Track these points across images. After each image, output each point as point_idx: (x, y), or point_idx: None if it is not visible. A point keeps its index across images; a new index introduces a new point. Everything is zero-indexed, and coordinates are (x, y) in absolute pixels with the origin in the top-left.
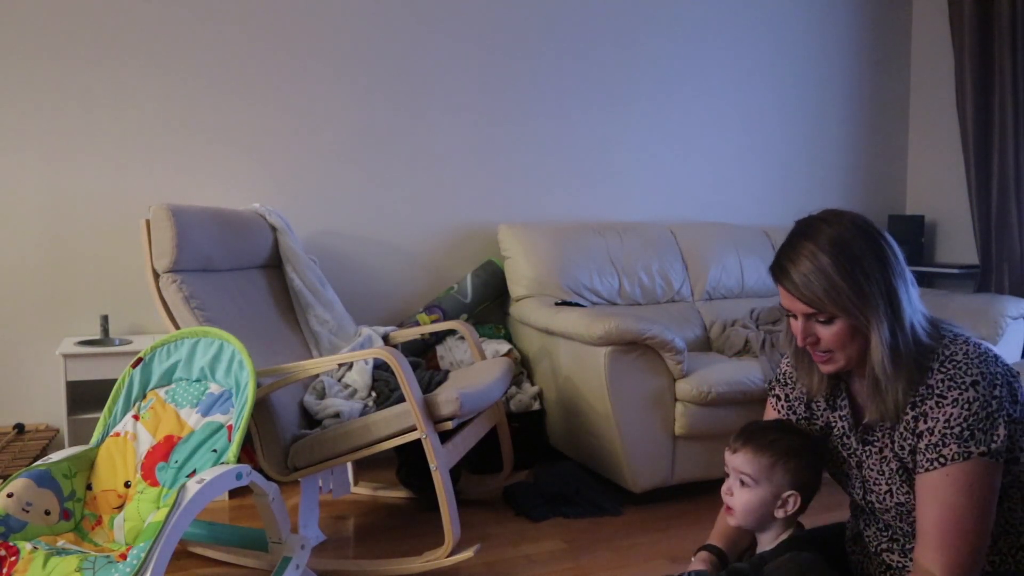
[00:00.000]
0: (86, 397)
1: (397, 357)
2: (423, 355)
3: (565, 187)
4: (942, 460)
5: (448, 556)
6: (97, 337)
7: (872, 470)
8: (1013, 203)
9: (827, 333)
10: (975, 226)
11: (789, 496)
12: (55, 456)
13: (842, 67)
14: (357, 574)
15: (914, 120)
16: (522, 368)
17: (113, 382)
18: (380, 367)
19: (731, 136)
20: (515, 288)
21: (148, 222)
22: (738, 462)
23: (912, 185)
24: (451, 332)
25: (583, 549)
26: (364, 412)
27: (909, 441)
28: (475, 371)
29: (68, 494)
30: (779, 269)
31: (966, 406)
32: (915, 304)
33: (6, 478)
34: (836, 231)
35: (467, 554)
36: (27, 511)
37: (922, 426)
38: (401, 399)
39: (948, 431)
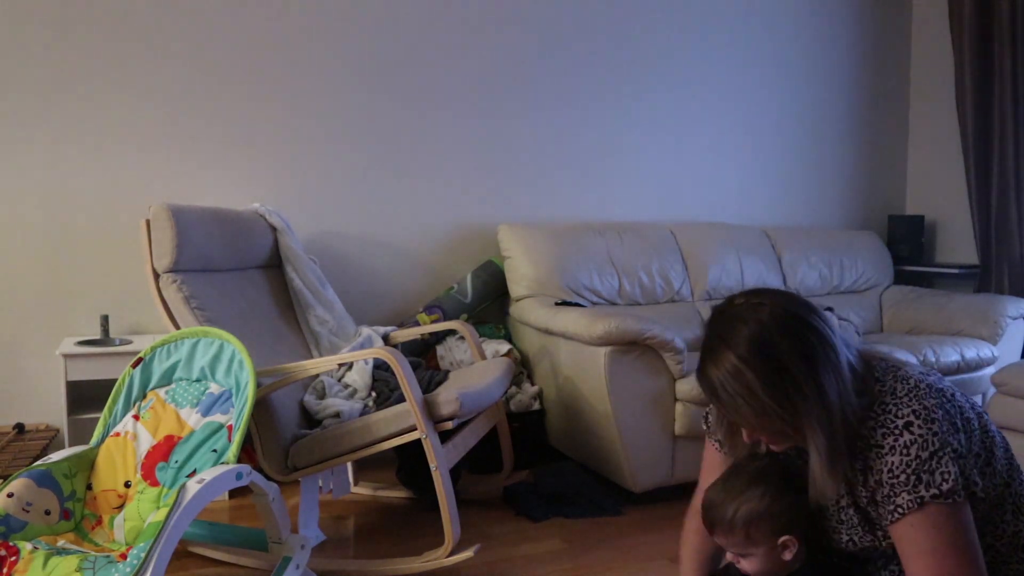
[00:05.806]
0: (86, 397)
1: (397, 357)
2: (423, 355)
3: (565, 187)
4: (900, 511)
5: (448, 556)
6: (97, 337)
7: (831, 519)
8: (1013, 203)
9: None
10: (975, 226)
11: (785, 541)
12: (55, 456)
13: (842, 67)
14: (357, 574)
15: (914, 120)
16: (522, 368)
17: (113, 382)
18: (380, 367)
19: (731, 136)
20: (515, 288)
21: (148, 222)
22: (720, 541)
23: (912, 185)
24: (451, 332)
25: (583, 549)
26: (364, 412)
27: (864, 495)
28: (475, 371)
29: (68, 494)
30: (705, 383)
31: (904, 451)
32: (845, 377)
33: (6, 478)
34: (756, 330)
35: (467, 554)
36: (27, 511)
37: (872, 479)
38: (401, 399)
39: (895, 481)
